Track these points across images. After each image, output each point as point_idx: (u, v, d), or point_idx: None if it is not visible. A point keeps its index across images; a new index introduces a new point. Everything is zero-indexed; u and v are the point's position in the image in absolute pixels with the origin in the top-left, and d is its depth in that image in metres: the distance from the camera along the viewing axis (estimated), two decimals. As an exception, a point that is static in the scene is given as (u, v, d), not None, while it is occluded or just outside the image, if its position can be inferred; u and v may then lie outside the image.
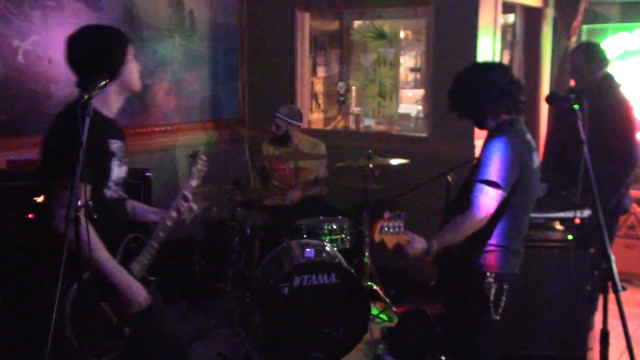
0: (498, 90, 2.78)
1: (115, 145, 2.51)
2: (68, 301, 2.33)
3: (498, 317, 2.81)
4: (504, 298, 2.81)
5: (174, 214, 2.69)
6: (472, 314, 2.86)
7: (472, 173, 2.91)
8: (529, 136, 2.85)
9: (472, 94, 2.82)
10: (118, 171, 2.53)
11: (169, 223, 2.67)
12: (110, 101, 2.52)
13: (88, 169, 2.21)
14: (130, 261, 2.56)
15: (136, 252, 2.59)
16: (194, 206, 2.74)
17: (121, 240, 2.55)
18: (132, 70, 2.53)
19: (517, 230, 2.86)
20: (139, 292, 2.51)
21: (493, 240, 2.79)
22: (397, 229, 2.68)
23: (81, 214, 2.11)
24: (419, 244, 2.71)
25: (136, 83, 2.58)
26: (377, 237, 2.69)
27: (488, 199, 2.68)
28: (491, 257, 2.80)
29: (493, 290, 2.76)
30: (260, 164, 5.13)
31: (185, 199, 2.71)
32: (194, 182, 2.80)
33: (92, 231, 2.27)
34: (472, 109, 2.86)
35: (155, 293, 2.67)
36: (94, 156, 2.32)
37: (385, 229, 2.68)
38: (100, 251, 2.39)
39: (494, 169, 2.69)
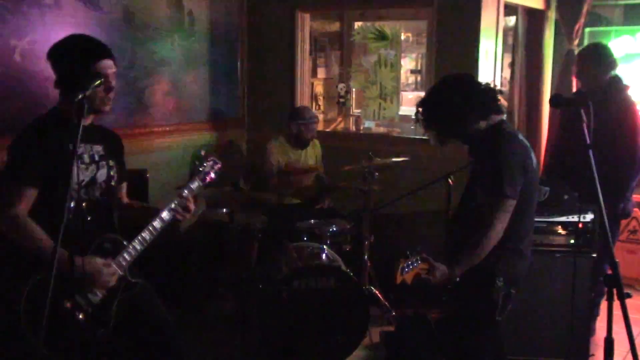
0: (464, 99, 2.82)
1: (81, 149, 2.51)
2: (24, 303, 2.29)
3: (499, 318, 2.80)
4: (510, 304, 2.80)
5: (164, 215, 2.60)
6: (478, 317, 2.84)
7: (473, 180, 2.91)
8: (521, 136, 2.88)
9: (442, 112, 2.89)
10: (84, 174, 2.52)
11: (156, 224, 2.58)
12: None
13: (39, 173, 2.38)
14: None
15: (112, 253, 2.52)
16: (192, 206, 2.63)
17: (92, 239, 2.50)
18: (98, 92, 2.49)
19: (525, 231, 2.85)
20: (91, 265, 2.41)
21: (502, 244, 2.76)
22: (415, 264, 2.70)
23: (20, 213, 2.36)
24: (439, 271, 2.70)
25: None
26: (399, 279, 2.69)
27: (504, 214, 2.68)
28: (500, 260, 2.77)
29: (501, 294, 2.75)
30: (272, 166, 4.90)
31: (181, 197, 2.61)
32: (194, 184, 2.71)
33: (31, 225, 2.39)
34: (447, 126, 2.95)
35: (145, 291, 2.69)
36: (51, 160, 2.40)
37: (406, 269, 2.68)
38: (40, 240, 2.38)
39: (503, 180, 2.68)
